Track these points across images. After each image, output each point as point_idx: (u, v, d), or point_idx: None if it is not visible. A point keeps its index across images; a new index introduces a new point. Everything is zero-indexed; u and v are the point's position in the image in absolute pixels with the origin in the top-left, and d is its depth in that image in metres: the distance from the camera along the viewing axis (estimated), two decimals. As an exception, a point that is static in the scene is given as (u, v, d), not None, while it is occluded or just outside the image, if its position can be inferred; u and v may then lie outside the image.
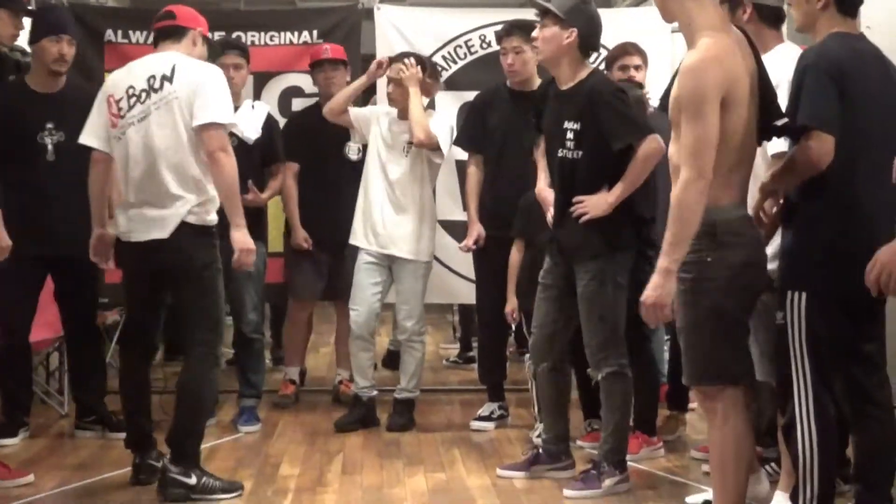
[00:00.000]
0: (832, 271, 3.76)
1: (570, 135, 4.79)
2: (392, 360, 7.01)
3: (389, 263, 6.07)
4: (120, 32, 6.94)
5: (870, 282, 3.42)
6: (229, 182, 4.68)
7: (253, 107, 6.29)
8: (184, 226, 4.66)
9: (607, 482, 4.76)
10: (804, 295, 3.76)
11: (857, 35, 3.92)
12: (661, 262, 3.63)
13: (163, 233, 4.67)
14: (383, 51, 6.98)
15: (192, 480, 4.63)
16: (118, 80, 4.87)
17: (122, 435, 5.16)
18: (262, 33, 6.96)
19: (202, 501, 4.61)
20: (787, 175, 3.88)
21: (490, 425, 6.03)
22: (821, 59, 3.76)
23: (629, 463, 5.12)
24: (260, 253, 6.15)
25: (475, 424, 6.03)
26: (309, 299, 6.74)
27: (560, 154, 4.84)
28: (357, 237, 6.10)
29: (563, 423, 5.09)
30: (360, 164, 6.41)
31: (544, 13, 4.85)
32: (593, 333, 4.82)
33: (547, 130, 5.02)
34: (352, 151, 6.55)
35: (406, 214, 6.04)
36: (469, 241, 6.04)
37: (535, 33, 4.95)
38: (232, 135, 5.98)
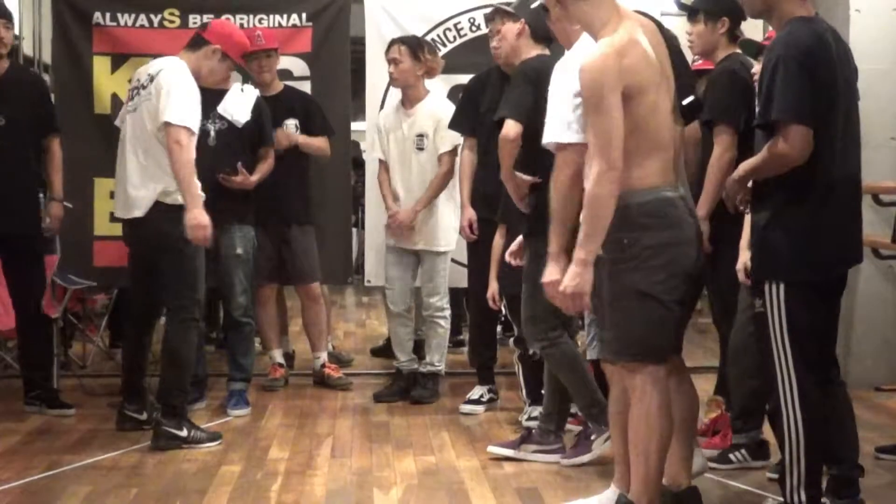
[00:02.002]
0: (806, 260, 3.78)
1: None
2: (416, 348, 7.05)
3: (414, 251, 6.37)
4: (108, 15, 6.90)
5: None
6: (181, 170, 5.14)
7: (242, 90, 6.28)
8: (157, 205, 5.24)
9: (597, 443, 4.90)
10: (781, 285, 3.78)
11: (817, 18, 3.88)
12: (577, 253, 3.69)
13: (140, 212, 5.26)
14: (372, 33, 7.00)
15: (184, 433, 5.25)
16: (136, 73, 5.56)
17: (64, 411, 5.87)
18: (251, 16, 6.92)
19: (193, 449, 5.21)
20: (763, 168, 3.84)
21: (479, 408, 6.04)
22: (791, 49, 3.70)
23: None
24: (249, 236, 6.20)
25: (464, 408, 6.04)
26: (266, 281, 6.62)
27: None
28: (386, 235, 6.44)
29: (557, 401, 5.12)
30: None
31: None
32: (525, 308, 4.90)
33: None
34: (290, 131, 6.55)
35: (428, 208, 6.29)
36: (463, 224, 6.06)
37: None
38: (221, 118, 6.05)
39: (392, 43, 6.33)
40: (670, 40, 3.93)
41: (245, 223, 6.18)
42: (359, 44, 7.07)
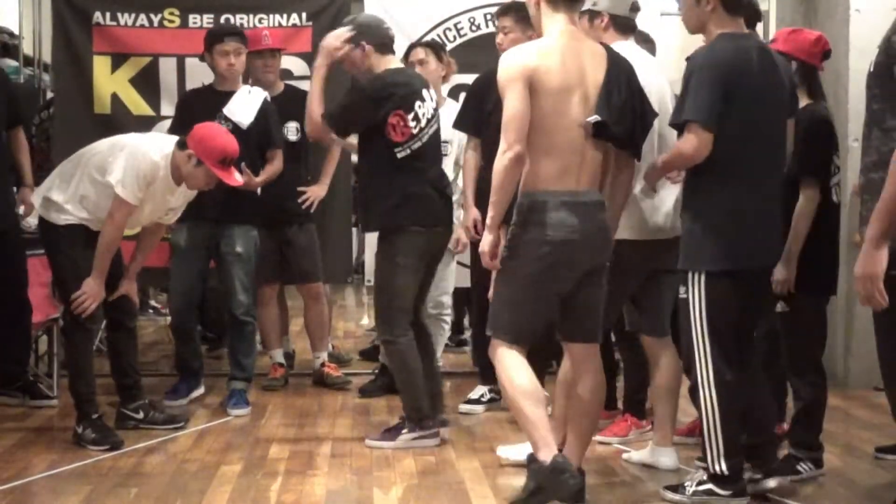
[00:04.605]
0: (725, 252, 4.19)
1: None
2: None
3: None
4: (108, 14, 6.92)
5: (863, 301, 3.45)
6: (101, 240, 5.22)
7: (249, 91, 6.27)
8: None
9: (404, 437, 5.25)
10: (703, 274, 4.21)
11: (745, 34, 4.31)
12: (487, 220, 4.24)
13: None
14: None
15: (140, 415, 5.58)
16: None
17: (45, 402, 6.06)
18: (251, 15, 6.94)
19: (148, 430, 5.52)
20: (671, 162, 4.36)
21: (479, 408, 6.05)
22: (707, 61, 4.16)
23: (617, 445, 5.19)
24: (250, 235, 6.22)
25: (463, 407, 6.06)
26: (267, 281, 6.67)
27: None
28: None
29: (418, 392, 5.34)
30: (298, 144, 6.57)
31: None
32: (375, 303, 5.36)
33: None
34: (290, 132, 6.56)
35: None
36: (468, 225, 6.07)
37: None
38: (227, 119, 6.06)
39: (413, 46, 6.37)
40: (621, 69, 4.31)
41: (247, 223, 6.20)
42: (359, 43, 7.07)
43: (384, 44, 5.31)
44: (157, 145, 5.27)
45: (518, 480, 4.71)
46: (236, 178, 5.34)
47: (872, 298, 3.33)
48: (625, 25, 4.94)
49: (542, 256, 4.15)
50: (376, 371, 6.69)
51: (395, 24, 6.87)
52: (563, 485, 4.04)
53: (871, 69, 3.42)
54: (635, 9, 4.96)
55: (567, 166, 4.17)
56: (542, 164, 4.17)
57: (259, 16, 6.93)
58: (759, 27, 7.23)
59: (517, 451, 4.86)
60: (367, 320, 7.94)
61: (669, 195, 4.77)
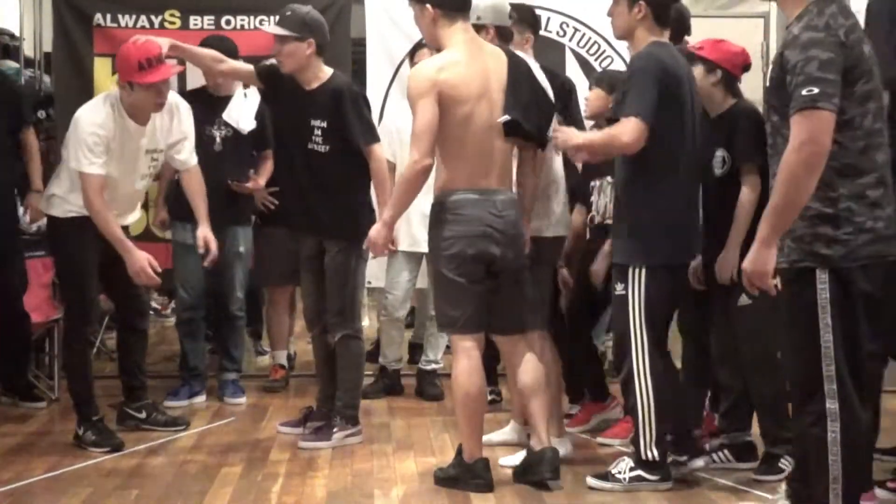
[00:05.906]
0: (665, 247, 4.45)
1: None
2: (413, 353, 7.15)
3: (422, 254, 6.34)
4: (109, 16, 6.90)
5: (752, 290, 3.63)
6: (99, 227, 5.15)
7: (245, 95, 6.27)
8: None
9: (337, 435, 5.31)
10: (644, 268, 4.43)
11: (671, 44, 4.59)
12: (385, 213, 4.63)
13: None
14: (373, 35, 6.99)
15: (142, 415, 5.58)
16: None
17: (35, 404, 6.07)
18: (252, 17, 6.91)
19: (149, 430, 5.52)
20: (600, 145, 4.56)
21: (480, 410, 6.05)
22: (648, 63, 4.40)
23: (617, 447, 5.18)
24: (249, 236, 6.39)
25: (465, 409, 6.05)
26: (283, 283, 6.77)
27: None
28: (398, 242, 6.32)
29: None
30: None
31: None
32: (334, 300, 5.30)
33: None
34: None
35: None
36: None
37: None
38: (227, 125, 6.10)
39: (419, 47, 6.34)
40: (521, 68, 4.64)
41: (247, 224, 6.38)
42: (359, 45, 7.06)
43: (324, 45, 5.31)
44: (99, 107, 5.21)
45: (517, 480, 4.73)
46: (169, 71, 5.22)
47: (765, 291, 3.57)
48: (506, 33, 5.02)
49: (459, 251, 4.46)
50: (377, 373, 6.68)
51: (395, 24, 6.93)
52: (471, 484, 4.55)
53: (768, 83, 3.57)
54: (511, 17, 5.07)
55: (477, 168, 4.48)
56: (453, 168, 4.47)
57: (259, 17, 6.89)
58: (760, 27, 7.29)
59: (516, 459, 4.90)
60: (367, 321, 7.93)
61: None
